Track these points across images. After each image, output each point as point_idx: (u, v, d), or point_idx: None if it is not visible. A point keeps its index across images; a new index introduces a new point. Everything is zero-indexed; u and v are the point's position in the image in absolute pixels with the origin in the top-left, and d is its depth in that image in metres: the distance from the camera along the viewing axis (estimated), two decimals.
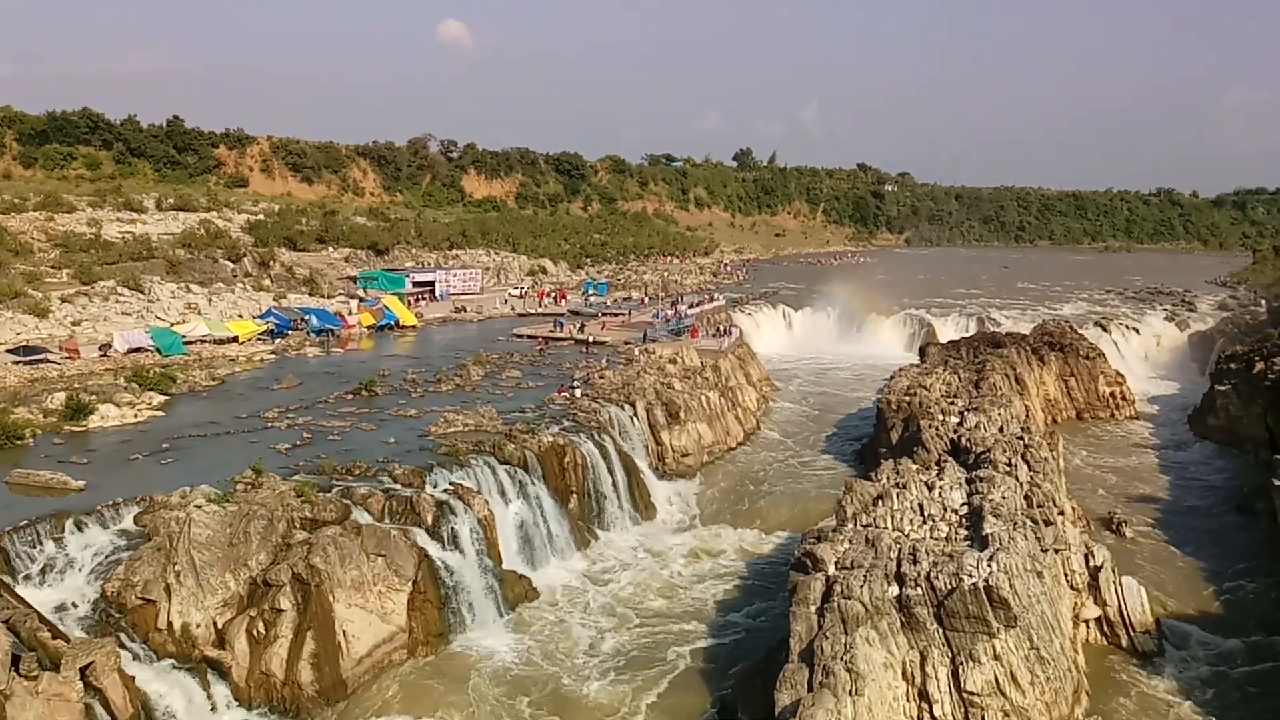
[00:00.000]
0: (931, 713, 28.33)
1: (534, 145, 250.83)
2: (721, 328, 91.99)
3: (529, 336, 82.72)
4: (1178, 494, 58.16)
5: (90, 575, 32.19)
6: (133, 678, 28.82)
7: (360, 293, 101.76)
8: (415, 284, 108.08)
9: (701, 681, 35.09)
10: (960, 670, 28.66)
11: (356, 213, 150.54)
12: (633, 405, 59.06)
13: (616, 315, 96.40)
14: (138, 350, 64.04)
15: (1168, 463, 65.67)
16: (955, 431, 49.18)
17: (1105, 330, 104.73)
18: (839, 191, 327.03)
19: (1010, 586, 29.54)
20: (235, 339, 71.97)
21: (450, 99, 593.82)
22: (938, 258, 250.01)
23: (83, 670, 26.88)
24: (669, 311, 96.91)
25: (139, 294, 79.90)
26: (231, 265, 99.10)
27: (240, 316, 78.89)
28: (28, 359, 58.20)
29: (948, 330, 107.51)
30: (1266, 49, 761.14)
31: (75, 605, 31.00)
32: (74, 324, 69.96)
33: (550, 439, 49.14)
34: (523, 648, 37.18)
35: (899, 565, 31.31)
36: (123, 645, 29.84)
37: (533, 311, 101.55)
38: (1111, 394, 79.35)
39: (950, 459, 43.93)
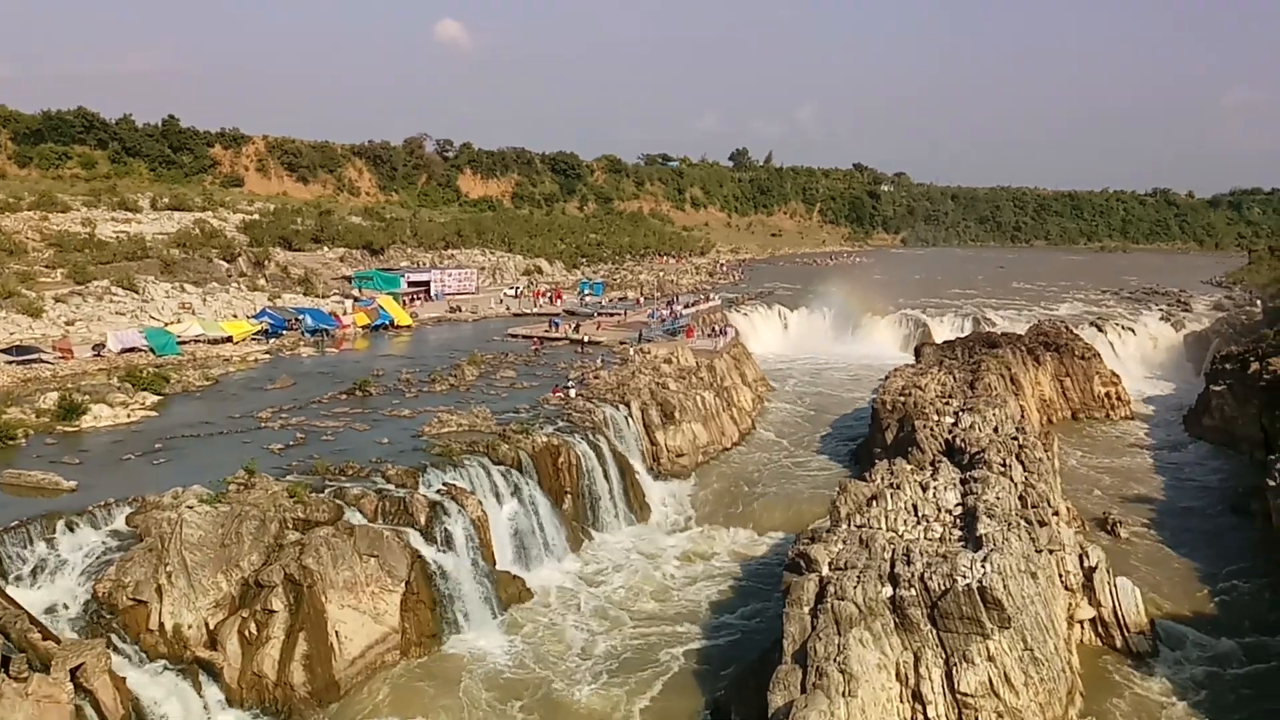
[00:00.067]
0: (925, 714, 28.27)
1: (530, 145, 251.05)
2: (717, 328, 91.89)
3: (524, 336, 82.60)
4: (1173, 494, 58.18)
5: (81, 576, 32.00)
6: (123, 679, 28.67)
7: (355, 292, 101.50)
8: (410, 284, 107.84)
9: (695, 683, 34.98)
10: (954, 671, 28.60)
11: (352, 212, 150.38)
12: (627, 405, 58.98)
13: (612, 315, 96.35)
14: (131, 350, 63.80)
15: (1163, 463, 65.69)
16: (950, 432, 49.12)
17: (1101, 330, 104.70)
18: (835, 191, 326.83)
19: (1004, 587, 29.48)
20: (229, 339, 71.72)
21: (446, 99, 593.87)
22: (934, 258, 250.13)
23: (73, 672, 26.70)
24: (664, 311, 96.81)
25: (133, 294, 79.75)
26: (226, 265, 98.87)
27: (235, 316, 78.70)
28: (20, 359, 57.96)
29: (943, 330, 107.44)
30: (1263, 49, 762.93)
31: (66, 606, 30.83)
32: (67, 324, 69.76)
33: (544, 439, 49.05)
34: (516, 649, 37.08)
35: (893, 566, 31.26)
36: (114, 646, 29.64)
37: (528, 311, 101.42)
38: (1107, 394, 79.39)
39: (945, 459, 43.87)
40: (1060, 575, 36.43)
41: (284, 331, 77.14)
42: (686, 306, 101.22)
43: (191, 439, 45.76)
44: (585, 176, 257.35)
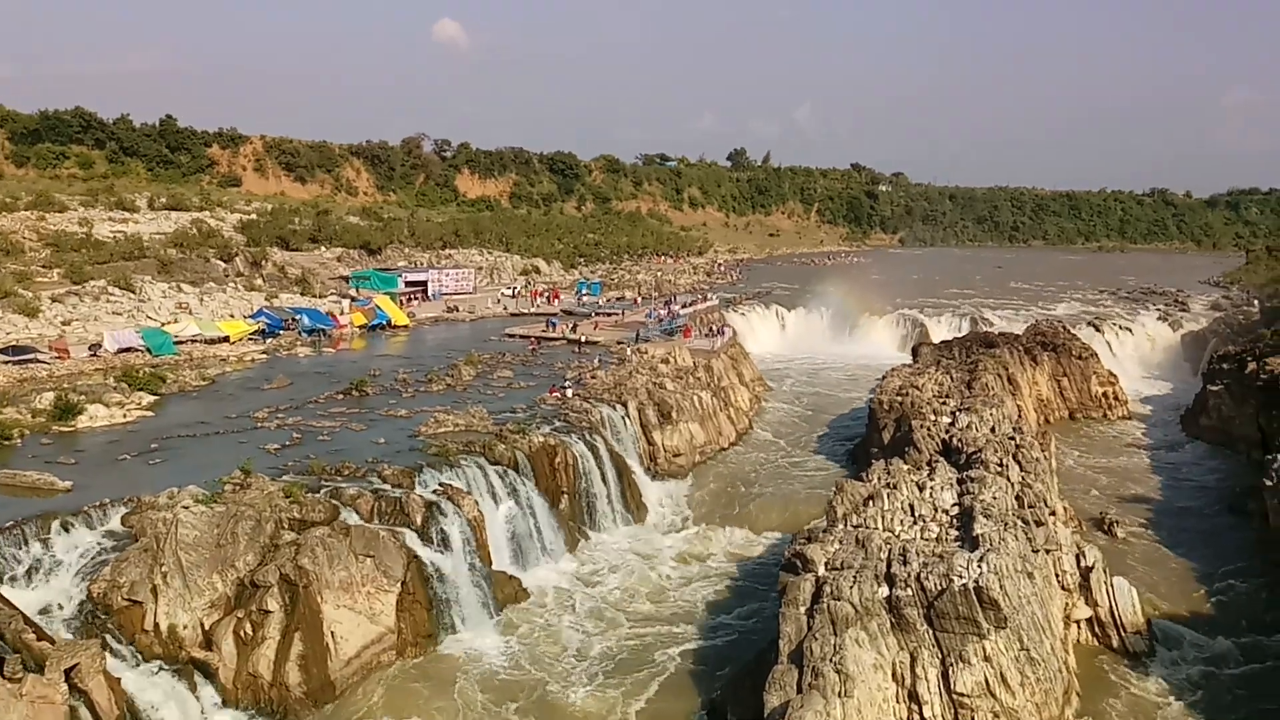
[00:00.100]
0: (921, 714, 28.21)
1: (528, 145, 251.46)
2: (714, 327, 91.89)
3: (521, 336, 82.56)
4: (1170, 494, 58.18)
5: (76, 576, 31.94)
6: (118, 679, 28.56)
7: (352, 292, 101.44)
8: (408, 284, 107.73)
9: (691, 684, 34.94)
10: (950, 671, 28.56)
11: (349, 212, 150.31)
12: (625, 405, 58.94)
13: (609, 315, 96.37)
14: (128, 350, 63.74)
15: (1160, 463, 65.69)
16: (947, 432, 49.12)
17: (1098, 330, 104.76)
18: (833, 191, 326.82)
19: (1000, 587, 29.46)
20: (226, 339, 71.69)
21: (444, 99, 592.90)
22: (931, 258, 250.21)
23: (67, 672, 26.62)
24: (662, 311, 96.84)
25: (130, 293, 79.66)
26: (223, 265, 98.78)
27: (231, 316, 78.60)
28: (16, 359, 57.87)
29: (941, 330, 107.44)
30: (1261, 50, 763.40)
31: (61, 607, 30.77)
32: (64, 323, 69.65)
33: (541, 439, 48.99)
34: (511, 650, 37.02)
35: (889, 566, 31.23)
36: (108, 647, 29.57)
37: (525, 311, 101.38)
38: (1104, 394, 79.41)
39: (942, 459, 43.87)
40: (1057, 575, 36.42)
41: (281, 331, 77.07)
42: (684, 306, 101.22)
43: (187, 439, 45.71)
44: (583, 176, 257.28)
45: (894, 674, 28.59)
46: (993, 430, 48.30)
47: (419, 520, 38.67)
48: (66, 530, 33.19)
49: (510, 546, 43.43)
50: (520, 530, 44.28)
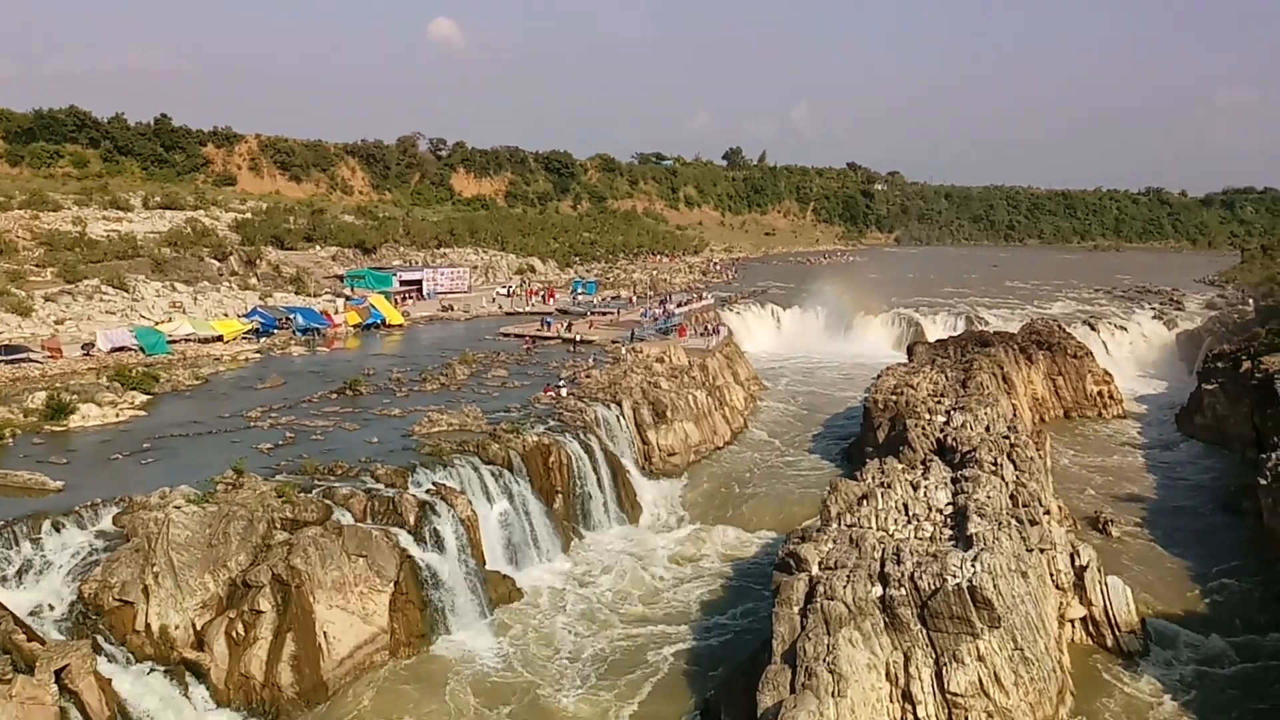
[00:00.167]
0: (915, 714, 28.16)
1: (524, 144, 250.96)
2: (709, 326, 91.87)
3: (516, 335, 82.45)
4: (1165, 493, 58.16)
5: (67, 577, 31.73)
6: (109, 680, 28.47)
7: (347, 291, 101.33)
8: (402, 282, 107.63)
9: (685, 685, 34.84)
10: (944, 671, 28.51)
11: (345, 211, 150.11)
12: (619, 404, 58.83)
13: (604, 314, 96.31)
14: (121, 349, 63.57)
15: (1155, 462, 65.69)
16: (941, 431, 49.12)
17: (1093, 329, 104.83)
18: (829, 190, 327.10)
19: (994, 587, 29.41)
20: (220, 338, 71.55)
21: (440, 98, 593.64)
22: (927, 257, 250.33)
23: (58, 673, 26.54)
24: (657, 310, 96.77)
25: (123, 293, 79.42)
26: (218, 264, 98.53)
27: (225, 315, 78.43)
28: (9, 358, 57.68)
29: (936, 329, 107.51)
30: (1257, 49, 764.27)
31: (52, 607, 30.57)
32: (57, 323, 69.47)
33: (535, 439, 48.88)
34: (504, 651, 36.88)
35: (883, 565, 31.17)
36: (99, 648, 29.47)
37: (520, 310, 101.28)
38: (1099, 393, 79.41)
39: (936, 458, 43.82)
40: (1051, 574, 36.38)
41: (275, 330, 76.95)
42: (679, 305, 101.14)
43: (180, 439, 45.55)
44: (579, 175, 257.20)
45: (887, 674, 28.54)
46: (987, 429, 48.27)
47: (412, 520, 38.54)
48: (58, 530, 33.02)
49: (504, 546, 43.33)
50: (514, 530, 44.18)
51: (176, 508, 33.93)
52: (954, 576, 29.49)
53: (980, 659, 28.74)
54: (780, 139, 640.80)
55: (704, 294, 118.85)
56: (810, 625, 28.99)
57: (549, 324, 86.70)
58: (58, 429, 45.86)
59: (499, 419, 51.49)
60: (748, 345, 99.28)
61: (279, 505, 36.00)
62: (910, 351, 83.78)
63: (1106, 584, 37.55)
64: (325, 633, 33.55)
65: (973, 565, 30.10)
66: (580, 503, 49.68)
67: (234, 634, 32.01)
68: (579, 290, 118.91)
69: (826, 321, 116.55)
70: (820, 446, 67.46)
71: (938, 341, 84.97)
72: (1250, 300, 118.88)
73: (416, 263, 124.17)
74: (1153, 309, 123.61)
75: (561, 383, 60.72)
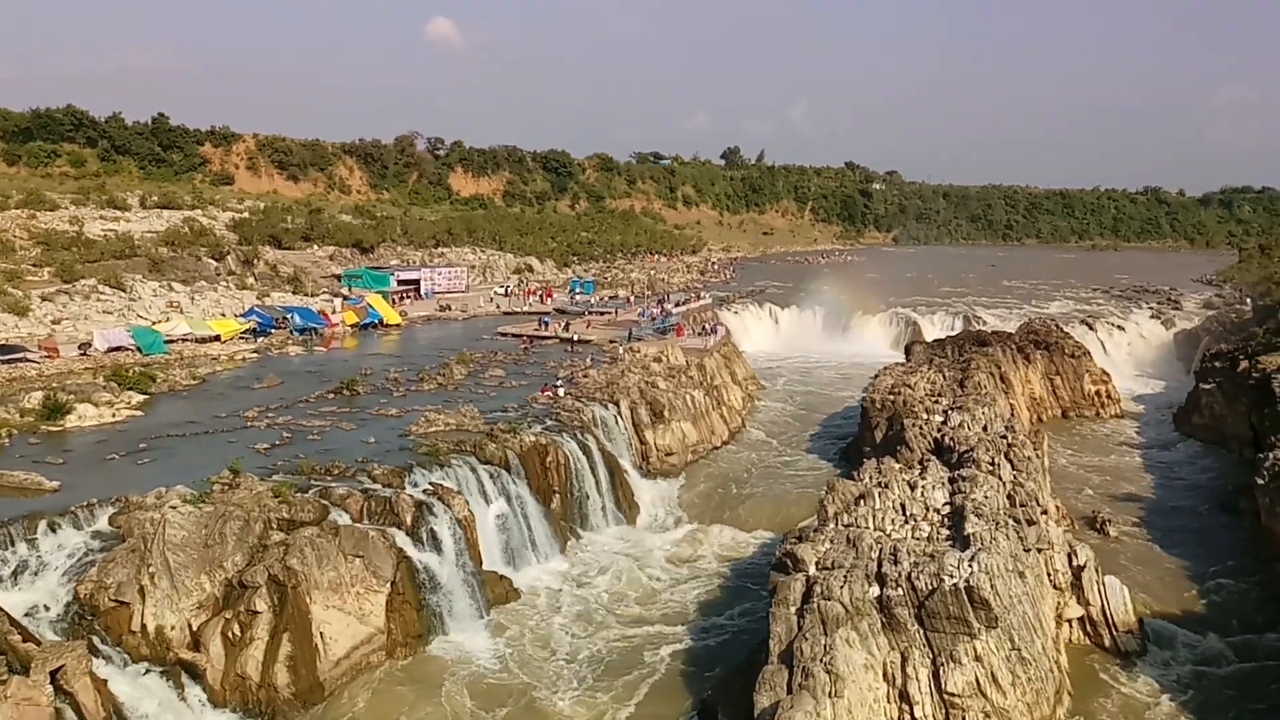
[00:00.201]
0: (912, 714, 28.12)
1: (522, 143, 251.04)
2: (707, 326, 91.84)
3: (513, 335, 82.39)
4: (1162, 493, 58.13)
5: (63, 577, 31.64)
6: (105, 681, 28.42)
7: (344, 291, 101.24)
8: (400, 282, 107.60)
9: (682, 686, 34.76)
10: (941, 671, 28.46)
11: (342, 211, 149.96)
12: (617, 404, 58.78)
13: (602, 314, 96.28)
14: (118, 349, 63.46)
15: (1152, 461, 65.67)
16: (939, 430, 49.04)
17: (1091, 329, 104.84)
18: (827, 190, 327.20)
19: (991, 587, 29.36)
20: (217, 337, 71.44)
21: (438, 97, 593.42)
22: (925, 256, 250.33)
23: (53, 674, 26.46)
24: (655, 310, 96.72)
25: (120, 292, 79.37)
26: (215, 263, 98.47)
27: (223, 315, 78.31)
28: (5, 358, 57.57)
29: (934, 329, 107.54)
30: (1254, 49, 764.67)
31: (47, 608, 30.46)
32: (54, 322, 69.39)
33: (532, 438, 48.83)
34: (501, 652, 36.77)
35: (880, 565, 31.10)
36: (95, 648, 29.42)
37: (518, 310, 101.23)
38: (1097, 392, 79.40)
39: (933, 458, 43.78)
40: (1049, 574, 36.32)
41: (272, 330, 76.86)
42: (677, 305, 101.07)
43: (177, 438, 45.47)
44: (577, 174, 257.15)
45: (885, 674, 28.50)
46: (985, 429, 48.22)
47: (409, 520, 38.46)
48: (53, 531, 32.94)
49: (501, 546, 43.27)
50: (511, 530, 44.11)
51: (173, 508, 33.88)
52: (951, 576, 29.45)
53: (977, 659, 28.70)
54: (778, 138, 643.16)
55: (702, 293, 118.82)
56: (807, 625, 28.95)
57: (546, 323, 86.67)
58: (54, 429, 45.78)
59: (496, 419, 51.43)
60: (745, 345, 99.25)
61: (275, 505, 35.92)
62: (908, 351, 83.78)
63: (1104, 584, 37.52)
64: (322, 633, 33.47)
65: (970, 565, 30.05)
66: (577, 503, 49.62)
67: (230, 634, 31.94)
68: (577, 290, 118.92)
69: (824, 321, 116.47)
70: (818, 446, 67.42)
71: (935, 341, 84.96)
72: (1248, 300, 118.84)
73: (414, 262, 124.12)
74: (1150, 308, 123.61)
75: (559, 382, 60.67)
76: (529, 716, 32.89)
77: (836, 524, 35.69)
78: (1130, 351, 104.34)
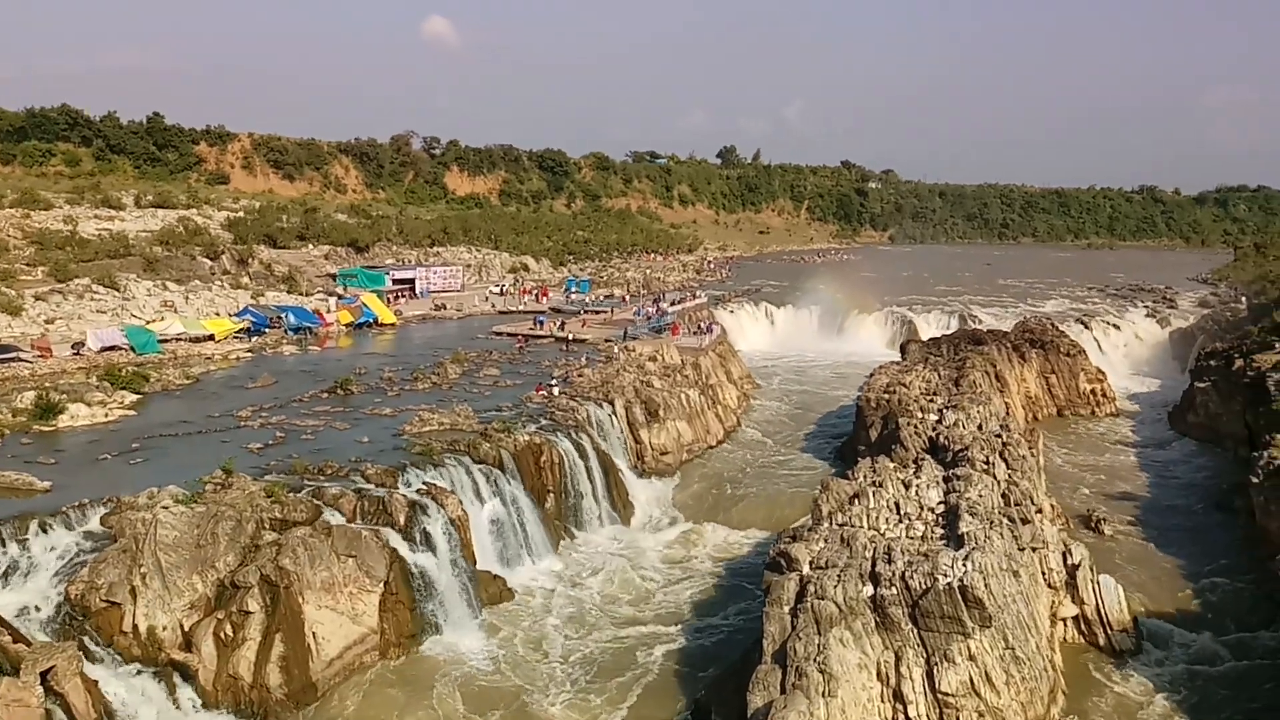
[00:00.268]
0: (906, 713, 28.09)
1: (518, 142, 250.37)
2: (703, 325, 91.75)
3: (509, 334, 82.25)
4: (1157, 491, 58.13)
5: (54, 578, 31.50)
6: (95, 682, 28.32)
7: (339, 290, 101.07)
8: (395, 281, 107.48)
9: (675, 686, 34.70)
10: (935, 671, 28.41)
11: (338, 210, 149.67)
12: (611, 403, 58.67)
13: (598, 313, 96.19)
14: (111, 348, 63.30)
15: (1147, 460, 65.66)
16: (934, 429, 48.96)
17: (1087, 327, 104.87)
18: (823, 189, 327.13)
19: (985, 586, 29.31)
20: (211, 337, 71.29)
21: (434, 96, 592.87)
22: (921, 255, 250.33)
23: (43, 675, 26.38)
24: (650, 309, 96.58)
25: (114, 291, 79.19)
26: (210, 263, 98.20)
27: (217, 314, 78.17)
28: None
29: (929, 328, 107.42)
30: (1250, 48, 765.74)
31: (38, 608, 30.31)
32: (47, 322, 69.23)
33: (527, 438, 48.73)
34: (494, 652, 36.66)
35: (874, 565, 31.05)
36: (86, 649, 29.29)
37: (513, 309, 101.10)
38: (1092, 391, 79.40)
39: (928, 457, 43.70)
40: (1043, 573, 36.30)
41: (267, 329, 76.76)
42: (672, 304, 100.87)
43: (170, 438, 45.36)
44: (573, 174, 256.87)
45: (878, 673, 28.45)
46: (980, 428, 48.17)
47: (402, 520, 38.34)
48: (44, 531, 32.78)
49: (495, 546, 43.15)
50: (505, 530, 44.00)
51: (164, 508, 33.76)
52: (945, 576, 29.40)
53: (971, 658, 28.66)
54: (775, 138, 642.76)
55: (697, 292, 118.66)
56: (801, 625, 28.88)
57: (542, 322, 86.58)
58: (46, 429, 45.67)
59: (491, 418, 51.30)
60: (741, 344, 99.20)
61: (268, 505, 35.82)
62: (903, 350, 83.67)
63: (1099, 582, 37.47)
64: (314, 633, 33.40)
65: (964, 564, 30.00)
66: (572, 502, 49.52)
67: (222, 635, 31.82)
68: (572, 289, 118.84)
69: (820, 320, 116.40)
70: (813, 445, 67.35)
71: (931, 340, 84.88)
72: (1243, 298, 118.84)
73: (410, 261, 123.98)
74: (1146, 307, 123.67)
75: (554, 381, 60.59)
76: (521, 718, 32.77)
77: (831, 523, 35.62)
78: (1126, 350, 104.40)
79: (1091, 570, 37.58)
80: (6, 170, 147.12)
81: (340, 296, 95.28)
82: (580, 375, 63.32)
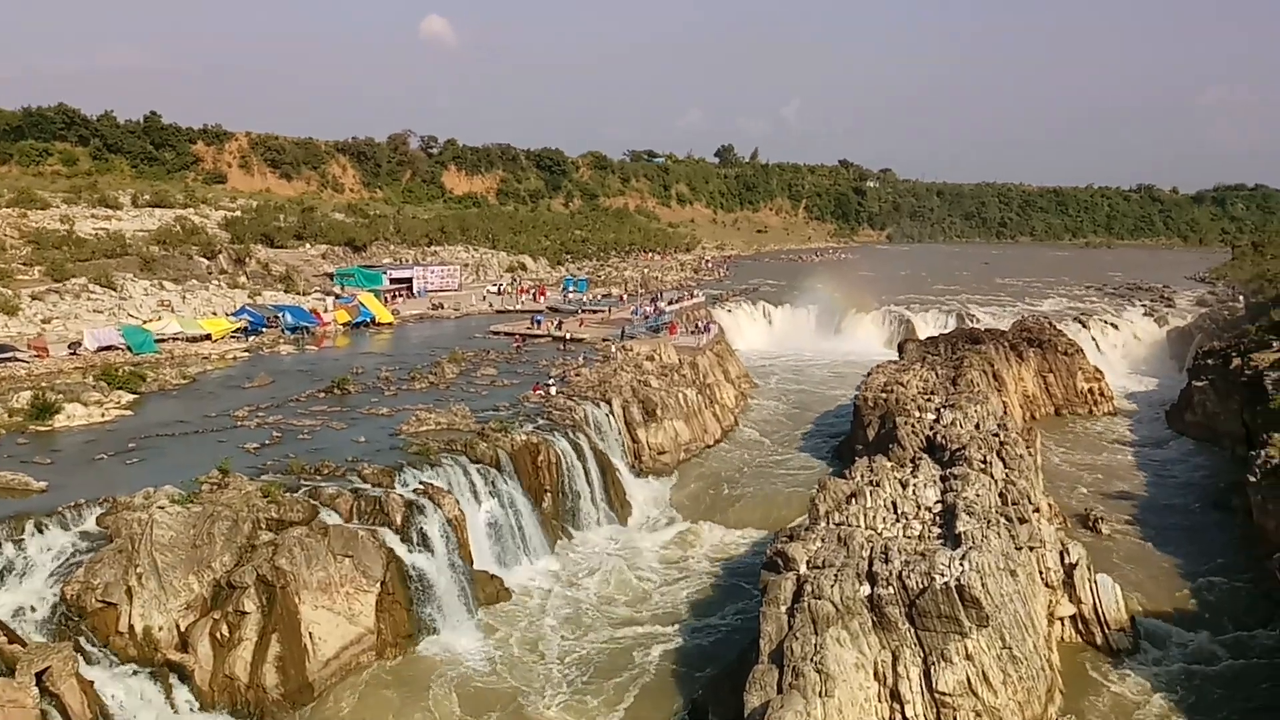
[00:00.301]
0: (903, 713, 28.07)
1: (515, 141, 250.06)
2: (700, 324, 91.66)
3: (506, 334, 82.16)
4: (1155, 490, 58.16)
5: (50, 578, 31.44)
6: (91, 683, 28.26)
7: (337, 289, 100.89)
8: (392, 281, 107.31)
9: (672, 686, 34.65)
10: (932, 670, 28.40)
11: (335, 209, 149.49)
12: (609, 403, 58.64)
13: (595, 312, 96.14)
14: (108, 348, 63.17)
15: (1145, 459, 65.67)
16: (931, 428, 48.97)
17: (1084, 326, 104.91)
18: (821, 188, 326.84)
19: (982, 585, 29.29)
20: (208, 336, 71.16)
21: (431, 95, 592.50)
22: (919, 254, 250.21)
23: (39, 675, 26.31)
24: (648, 308, 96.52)
25: (111, 291, 79.05)
26: (207, 262, 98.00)
27: (214, 314, 78.02)
28: None
29: (927, 327, 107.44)
30: (1248, 47, 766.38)
31: (34, 609, 30.24)
32: (44, 321, 69.08)
33: (524, 437, 48.68)
34: (490, 653, 36.60)
35: (871, 564, 31.02)
36: (82, 649, 29.24)
37: (511, 308, 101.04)
38: (1090, 390, 79.43)
39: (925, 456, 43.72)
40: (1040, 572, 36.28)
41: (264, 329, 76.63)
42: (670, 303, 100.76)
43: (166, 438, 45.27)
44: (570, 173, 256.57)
45: (875, 673, 28.42)
46: (977, 427, 48.19)
47: (399, 520, 38.29)
48: (40, 531, 32.73)
49: (492, 546, 43.11)
50: (502, 530, 43.95)
51: (160, 508, 33.70)
52: (942, 575, 29.38)
53: (968, 658, 28.64)
54: (773, 137, 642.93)
55: (695, 292, 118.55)
56: (798, 625, 28.85)
57: (539, 322, 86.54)
58: (42, 429, 45.57)
59: (488, 418, 51.25)
60: (739, 343, 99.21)
61: (264, 505, 35.75)
62: (901, 349, 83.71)
63: (1096, 582, 37.48)
64: (311, 634, 33.35)
65: (961, 564, 29.99)
66: (569, 502, 49.48)
67: (218, 635, 31.78)
68: (570, 288, 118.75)
69: (818, 319, 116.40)
70: (810, 444, 67.35)
71: (928, 339, 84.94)
72: (1241, 297, 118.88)
73: (407, 261, 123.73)
74: (1144, 306, 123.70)
75: (551, 381, 60.54)
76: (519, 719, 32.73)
77: (828, 522, 35.60)
78: (1123, 349, 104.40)
79: (1089, 569, 37.58)
80: (3, 169, 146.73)
81: (337, 296, 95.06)
82: (577, 375, 63.29)
